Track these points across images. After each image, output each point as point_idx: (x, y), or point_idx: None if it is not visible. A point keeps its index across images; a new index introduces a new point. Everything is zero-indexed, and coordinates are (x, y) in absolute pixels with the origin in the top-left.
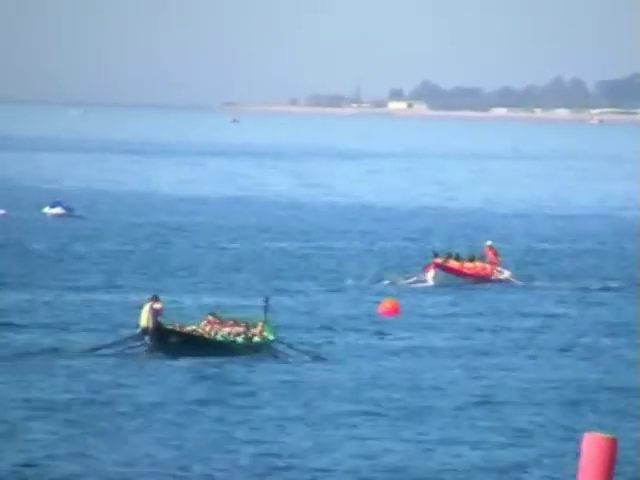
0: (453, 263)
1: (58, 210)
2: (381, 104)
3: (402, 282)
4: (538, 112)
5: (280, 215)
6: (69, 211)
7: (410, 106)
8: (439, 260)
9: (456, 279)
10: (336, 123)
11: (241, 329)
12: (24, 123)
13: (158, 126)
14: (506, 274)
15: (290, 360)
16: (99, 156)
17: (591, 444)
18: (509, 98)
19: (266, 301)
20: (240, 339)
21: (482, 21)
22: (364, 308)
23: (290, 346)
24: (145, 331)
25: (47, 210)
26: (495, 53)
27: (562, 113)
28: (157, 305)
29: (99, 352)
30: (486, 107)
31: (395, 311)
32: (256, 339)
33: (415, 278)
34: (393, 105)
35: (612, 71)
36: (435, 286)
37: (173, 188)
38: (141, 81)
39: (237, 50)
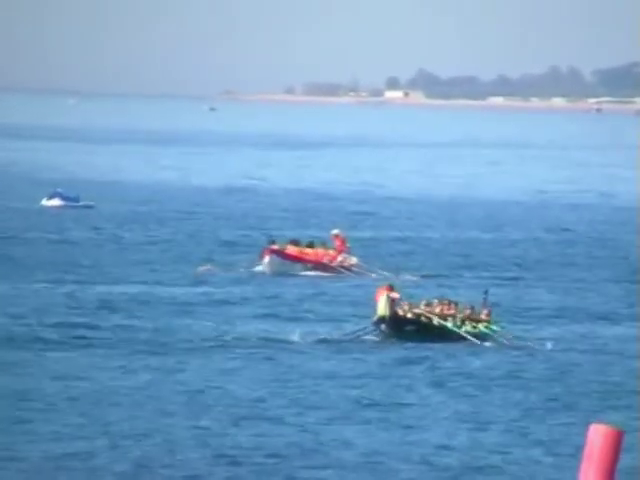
0: (291, 249)
1: (57, 201)
2: (378, 93)
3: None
4: (535, 101)
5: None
6: (71, 201)
7: (407, 95)
8: (275, 247)
9: (293, 266)
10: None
11: (460, 315)
12: (24, 112)
13: (141, 115)
14: (352, 261)
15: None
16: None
17: (597, 435)
18: (505, 87)
19: (485, 292)
20: (468, 327)
21: (478, 9)
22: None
23: (514, 335)
24: (382, 319)
25: (45, 202)
26: (491, 42)
27: (559, 102)
28: (394, 294)
29: (338, 339)
30: (483, 96)
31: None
32: (481, 328)
33: (247, 265)
34: (390, 94)
35: (609, 60)
36: (271, 273)
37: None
38: (135, 70)
39: (233, 39)
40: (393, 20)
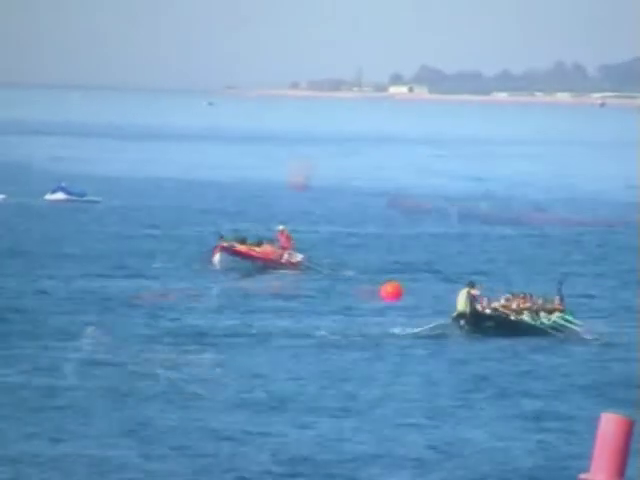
0: (240, 247)
1: (60, 196)
2: (382, 88)
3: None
4: (539, 96)
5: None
6: (75, 196)
7: (411, 90)
8: (225, 244)
9: (243, 262)
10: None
11: (530, 305)
12: (31, 106)
13: (144, 110)
14: (299, 257)
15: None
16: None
17: (608, 424)
18: (510, 82)
19: (560, 283)
20: (545, 320)
21: (482, 4)
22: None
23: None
24: (462, 315)
25: (48, 196)
26: (495, 37)
27: (563, 97)
28: (474, 291)
29: (419, 334)
30: (487, 91)
31: (397, 295)
32: (555, 319)
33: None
34: (394, 89)
35: (613, 55)
36: (222, 269)
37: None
38: (141, 65)
39: (238, 34)
40: (397, 16)
